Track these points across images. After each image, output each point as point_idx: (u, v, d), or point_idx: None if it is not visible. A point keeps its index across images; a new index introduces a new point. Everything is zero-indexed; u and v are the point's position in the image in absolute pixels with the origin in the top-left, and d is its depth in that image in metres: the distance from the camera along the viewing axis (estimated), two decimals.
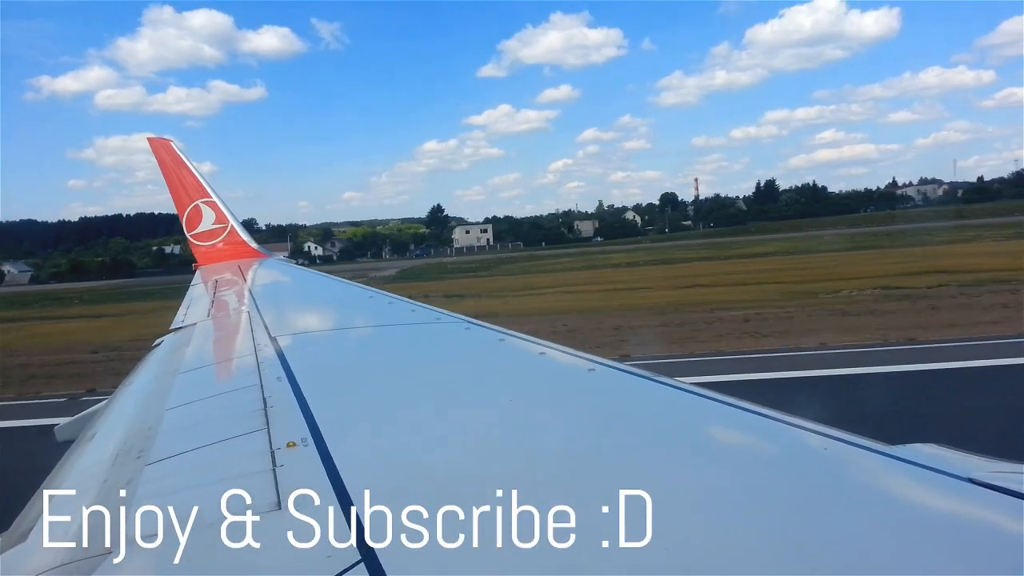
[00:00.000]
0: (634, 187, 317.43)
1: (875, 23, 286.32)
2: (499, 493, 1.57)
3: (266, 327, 4.23)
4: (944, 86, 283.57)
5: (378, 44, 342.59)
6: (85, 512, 1.80)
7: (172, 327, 5.53)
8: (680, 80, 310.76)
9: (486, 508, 1.49)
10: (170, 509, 1.66)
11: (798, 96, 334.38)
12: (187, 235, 12.21)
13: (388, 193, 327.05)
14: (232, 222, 12.15)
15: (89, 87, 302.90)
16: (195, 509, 1.62)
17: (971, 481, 1.46)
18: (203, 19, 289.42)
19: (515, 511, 1.46)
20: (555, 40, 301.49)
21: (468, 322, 4.05)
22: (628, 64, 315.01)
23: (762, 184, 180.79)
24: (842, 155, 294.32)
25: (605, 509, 1.45)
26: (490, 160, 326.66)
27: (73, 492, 2.06)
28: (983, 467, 1.55)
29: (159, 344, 4.87)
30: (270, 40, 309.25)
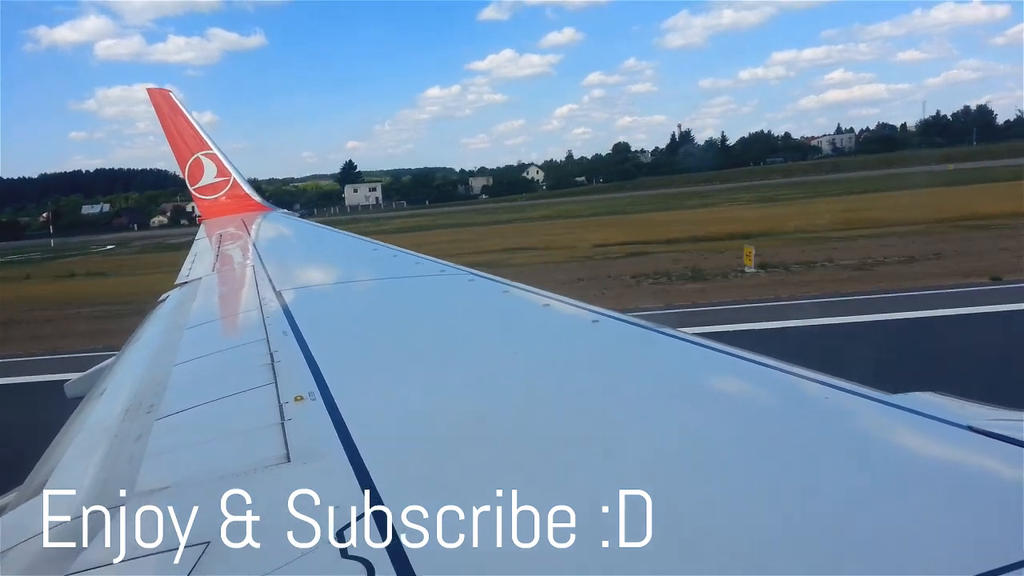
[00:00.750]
0: (640, 132, 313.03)
1: None
2: (506, 447, 1.60)
3: (271, 281, 4.24)
4: (955, 22, 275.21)
5: None
6: (96, 466, 1.83)
7: (177, 282, 5.55)
8: (686, 20, 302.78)
9: (494, 462, 1.51)
10: (180, 463, 1.70)
11: (806, 36, 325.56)
12: (190, 188, 12.13)
13: (391, 141, 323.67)
14: (234, 175, 12.04)
15: (88, 37, 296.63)
16: (205, 462, 1.65)
17: (970, 429, 1.46)
18: None
19: (524, 464, 1.48)
20: None
21: (472, 274, 4.05)
22: (633, 3, 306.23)
23: (677, 135, 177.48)
24: (851, 96, 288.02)
25: (610, 462, 1.47)
26: (494, 106, 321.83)
27: (85, 446, 2.10)
28: (983, 415, 1.56)
29: (165, 299, 4.89)
30: None
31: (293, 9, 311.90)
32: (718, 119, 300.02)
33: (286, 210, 12.48)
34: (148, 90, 12.28)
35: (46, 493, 1.77)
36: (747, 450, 1.50)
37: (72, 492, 1.71)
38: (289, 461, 1.55)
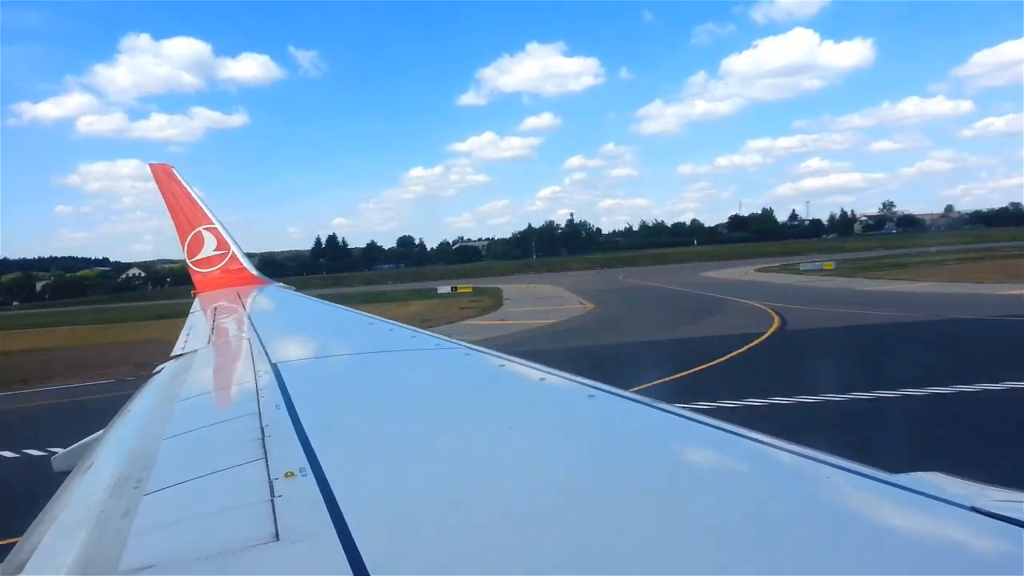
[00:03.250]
0: (623, 214, 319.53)
1: (849, 53, 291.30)
2: (503, 526, 1.56)
3: (266, 354, 4.23)
4: (923, 115, 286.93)
5: (356, 71, 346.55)
6: (81, 543, 1.78)
7: (172, 354, 5.53)
8: (660, 109, 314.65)
9: (490, 543, 1.48)
10: (167, 540, 1.65)
11: (779, 125, 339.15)
12: (188, 262, 12.22)
13: (377, 219, 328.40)
14: (233, 248, 12.17)
15: (70, 113, 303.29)
16: (193, 540, 1.61)
17: (974, 510, 1.45)
18: (180, 47, 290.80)
19: (521, 545, 1.45)
20: (532, 69, 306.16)
21: (468, 348, 4.05)
22: (607, 93, 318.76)
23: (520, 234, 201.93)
24: (829, 183, 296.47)
25: (608, 540, 1.44)
26: (477, 186, 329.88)
27: (70, 523, 2.04)
28: (986, 495, 1.54)
29: (159, 372, 4.86)
30: (249, 67, 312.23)
31: (274, 91, 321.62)
32: (698, 203, 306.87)
33: (281, 283, 12.54)
34: (151, 166, 12.55)
35: (30, 570, 1.71)
36: (746, 532, 1.48)
37: (56, 570, 1.65)
38: (278, 540, 1.52)
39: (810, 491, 1.71)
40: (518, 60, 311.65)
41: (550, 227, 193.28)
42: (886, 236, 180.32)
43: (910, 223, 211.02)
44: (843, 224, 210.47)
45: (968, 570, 1.28)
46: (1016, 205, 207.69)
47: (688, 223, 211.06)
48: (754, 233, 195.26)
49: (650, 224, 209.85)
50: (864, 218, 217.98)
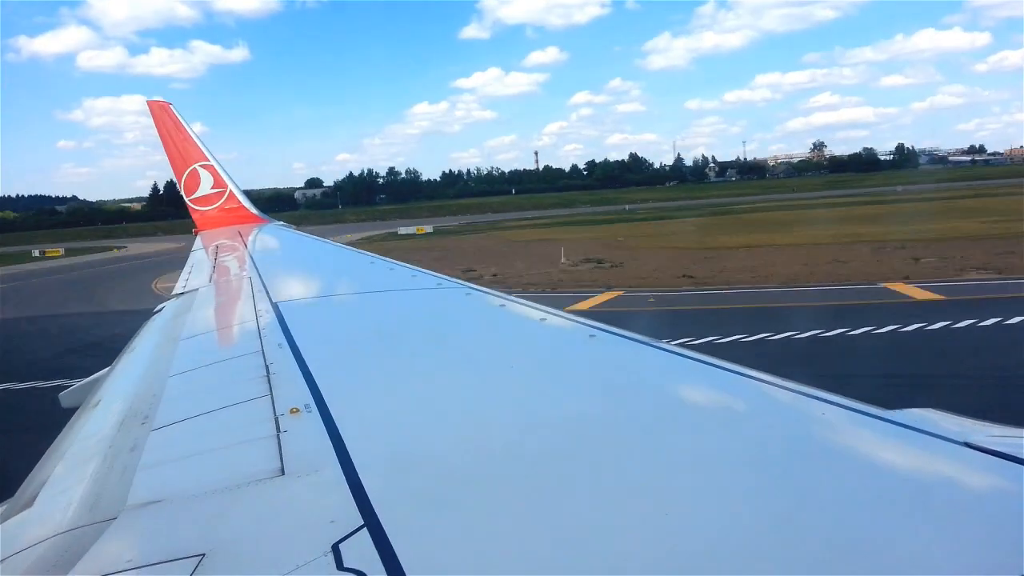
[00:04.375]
0: (632, 149, 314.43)
1: None
2: (505, 462, 1.59)
3: (267, 293, 4.23)
4: (937, 49, 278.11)
5: (356, 1, 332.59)
6: (89, 478, 1.82)
7: (173, 293, 5.53)
8: (668, 42, 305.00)
9: (490, 476, 1.51)
10: (174, 475, 1.68)
11: (790, 59, 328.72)
12: (186, 199, 12.12)
13: (383, 155, 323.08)
14: (230, 186, 12.04)
15: (69, 48, 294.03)
16: (199, 474, 1.64)
17: (968, 445, 1.46)
18: None
19: (522, 481, 1.48)
20: None
21: (469, 287, 4.05)
22: (613, 24, 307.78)
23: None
24: (840, 118, 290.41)
25: (608, 477, 1.47)
26: (483, 123, 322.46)
27: (78, 458, 2.08)
28: (980, 431, 1.56)
29: (160, 310, 4.88)
30: None
31: (273, 24, 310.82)
32: (709, 138, 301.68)
33: (282, 222, 12.46)
34: (148, 103, 12.31)
35: (39, 504, 1.75)
36: (744, 466, 1.50)
37: (66, 504, 1.69)
38: (284, 474, 1.54)
39: (806, 427, 1.73)
40: None
41: (371, 175, 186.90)
42: (717, 184, 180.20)
43: (750, 169, 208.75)
44: (696, 171, 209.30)
45: (964, 504, 1.30)
46: (869, 151, 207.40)
47: (539, 169, 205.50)
48: (598, 180, 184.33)
49: (507, 172, 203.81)
50: (713, 165, 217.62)
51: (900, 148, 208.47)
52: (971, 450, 1.45)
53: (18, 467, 2.35)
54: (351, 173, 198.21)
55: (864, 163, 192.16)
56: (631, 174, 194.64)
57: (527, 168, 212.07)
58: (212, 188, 11.95)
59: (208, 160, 12.04)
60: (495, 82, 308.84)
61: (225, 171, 12.11)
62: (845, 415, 1.71)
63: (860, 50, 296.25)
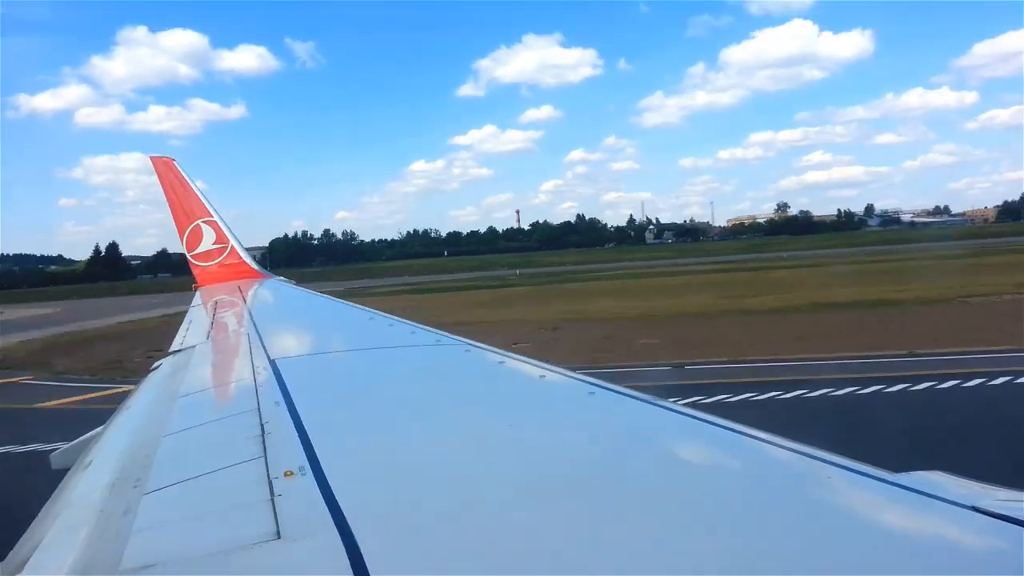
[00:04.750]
0: (627, 207, 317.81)
1: (850, 44, 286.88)
2: (504, 525, 1.56)
3: (265, 350, 4.22)
4: (927, 107, 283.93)
5: (353, 63, 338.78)
6: (82, 543, 1.78)
7: (171, 350, 5.52)
8: (661, 101, 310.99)
9: (491, 541, 1.48)
10: (168, 539, 1.65)
11: (781, 118, 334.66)
12: (187, 255, 12.22)
13: (381, 213, 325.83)
14: (232, 242, 12.16)
15: (68, 105, 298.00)
16: (194, 539, 1.60)
17: (975, 510, 1.44)
18: (177, 38, 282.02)
19: (521, 544, 1.45)
20: (530, 60, 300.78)
21: (468, 344, 4.04)
22: (606, 84, 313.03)
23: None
24: (831, 177, 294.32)
25: (609, 539, 1.44)
26: (480, 180, 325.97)
27: (70, 521, 2.04)
28: (988, 495, 1.54)
29: (157, 367, 4.85)
30: (246, 59, 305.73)
31: (272, 83, 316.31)
32: (702, 196, 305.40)
33: (283, 278, 12.53)
34: (152, 159, 12.54)
35: (30, 570, 1.71)
36: (748, 531, 1.48)
37: (58, 569, 1.65)
38: (279, 538, 1.51)
39: (811, 490, 1.71)
40: (515, 51, 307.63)
41: (307, 237, 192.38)
42: (651, 246, 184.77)
43: (686, 232, 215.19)
44: (633, 231, 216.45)
45: (970, 570, 1.28)
46: (783, 208, 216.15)
47: (476, 232, 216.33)
48: (538, 241, 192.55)
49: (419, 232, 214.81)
50: (652, 227, 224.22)
51: (841, 211, 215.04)
52: (980, 515, 1.42)
53: None
54: (286, 234, 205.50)
55: (800, 226, 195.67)
56: (576, 235, 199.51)
57: (516, 226, 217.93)
58: (214, 244, 12.07)
59: (211, 216, 12.20)
60: (491, 139, 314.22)
61: (228, 227, 12.25)
62: (850, 478, 1.69)
63: (852, 109, 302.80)
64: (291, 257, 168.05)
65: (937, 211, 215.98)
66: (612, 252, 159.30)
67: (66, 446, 3.69)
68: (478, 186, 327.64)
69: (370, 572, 1.30)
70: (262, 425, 2.47)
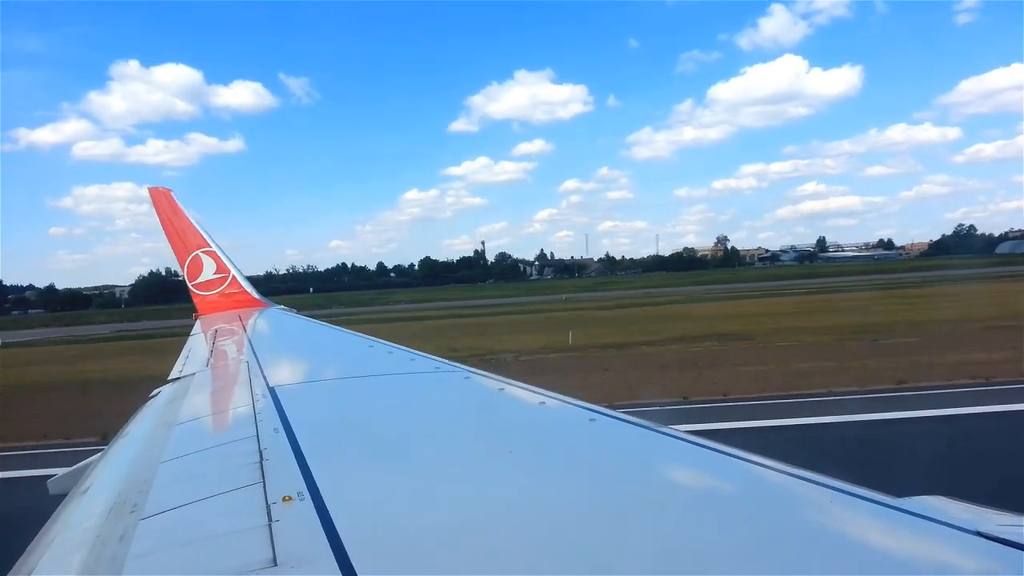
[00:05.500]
0: (623, 236, 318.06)
1: (837, 81, 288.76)
2: (505, 553, 1.55)
3: (264, 377, 4.21)
4: (912, 142, 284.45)
5: (347, 98, 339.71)
6: (77, 568, 1.76)
7: (170, 377, 5.50)
8: (650, 135, 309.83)
9: (488, 568, 1.46)
10: (164, 566, 1.63)
11: (769, 151, 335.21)
12: (188, 285, 12.25)
13: (375, 241, 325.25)
14: (233, 271, 12.21)
15: (67, 139, 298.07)
16: (190, 566, 1.59)
17: (978, 534, 1.43)
18: (171, 74, 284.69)
19: (521, 571, 1.44)
20: (521, 96, 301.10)
21: (468, 371, 4.04)
22: (596, 120, 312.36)
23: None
24: (828, 206, 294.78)
25: (610, 566, 1.42)
26: (473, 209, 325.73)
27: (66, 547, 2.02)
28: (991, 520, 1.53)
29: (156, 395, 4.84)
30: (242, 94, 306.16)
31: (268, 118, 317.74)
32: (697, 226, 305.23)
33: (284, 306, 12.55)
34: (149, 190, 12.64)
35: None
36: (751, 558, 1.46)
37: None
38: (276, 565, 1.50)
39: (815, 515, 1.70)
40: (507, 87, 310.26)
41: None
42: (530, 282, 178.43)
43: (565, 268, 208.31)
44: (511, 269, 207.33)
45: None
46: (690, 251, 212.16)
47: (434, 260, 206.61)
48: (421, 278, 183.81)
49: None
50: (535, 263, 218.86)
51: (726, 246, 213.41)
52: (983, 539, 1.42)
53: None
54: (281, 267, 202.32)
55: (686, 262, 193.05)
56: (466, 271, 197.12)
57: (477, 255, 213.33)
58: (215, 273, 12.13)
59: (210, 246, 12.26)
60: (484, 170, 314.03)
61: (227, 256, 12.31)
62: (853, 503, 1.68)
63: (838, 143, 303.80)
64: (289, 287, 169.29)
65: (881, 244, 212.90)
66: (483, 289, 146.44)
67: (64, 472, 3.67)
68: (472, 214, 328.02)
69: None
70: (260, 451, 2.46)
